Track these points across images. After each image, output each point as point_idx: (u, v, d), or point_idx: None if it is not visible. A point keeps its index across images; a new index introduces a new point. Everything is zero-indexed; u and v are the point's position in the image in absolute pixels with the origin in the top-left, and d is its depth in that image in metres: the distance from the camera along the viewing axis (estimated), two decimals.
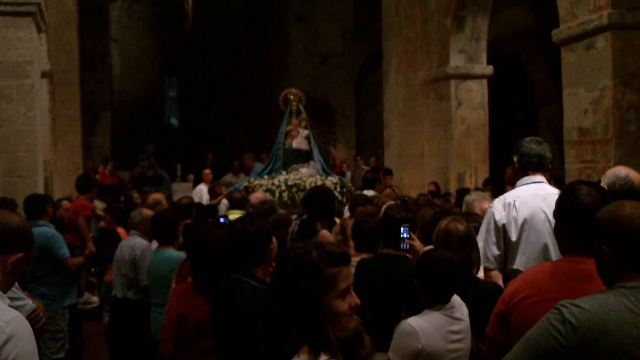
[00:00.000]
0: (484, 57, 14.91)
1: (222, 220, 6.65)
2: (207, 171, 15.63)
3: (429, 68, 15.83)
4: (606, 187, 4.42)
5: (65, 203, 11.12)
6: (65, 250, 7.50)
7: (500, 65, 15.46)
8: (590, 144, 9.18)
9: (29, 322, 4.44)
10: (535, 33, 18.73)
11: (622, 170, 4.75)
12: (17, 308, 4.35)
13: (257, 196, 9.84)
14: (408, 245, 4.96)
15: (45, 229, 7.35)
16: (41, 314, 4.60)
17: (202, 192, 13.37)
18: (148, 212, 7.62)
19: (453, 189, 13.72)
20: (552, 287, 3.36)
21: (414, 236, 5.05)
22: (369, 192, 10.52)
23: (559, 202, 3.56)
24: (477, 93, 14.81)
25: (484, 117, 14.91)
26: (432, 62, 15.70)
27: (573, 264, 3.35)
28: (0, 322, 2.72)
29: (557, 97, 11.14)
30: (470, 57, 14.79)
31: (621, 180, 4.67)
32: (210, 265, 4.59)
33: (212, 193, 13.63)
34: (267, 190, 12.79)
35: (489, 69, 14.94)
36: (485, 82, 14.94)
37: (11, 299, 4.41)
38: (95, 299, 10.36)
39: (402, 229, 4.93)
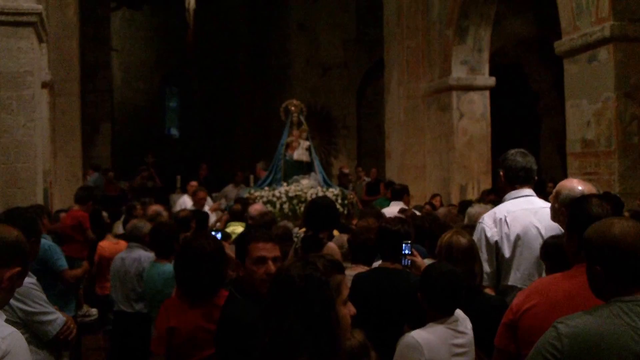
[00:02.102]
0: (486, 68, 14.91)
1: (213, 234, 6.60)
2: (194, 183, 15.09)
3: (431, 79, 15.82)
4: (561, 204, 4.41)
5: (63, 215, 11.06)
6: (63, 262, 7.42)
7: (502, 76, 15.45)
8: (593, 155, 9.16)
9: (61, 335, 4.47)
10: (538, 44, 18.73)
11: (575, 187, 4.65)
12: (49, 322, 4.38)
13: (256, 208, 9.74)
14: (409, 261, 4.93)
15: (42, 241, 7.24)
16: (72, 326, 4.57)
17: (185, 204, 13.14)
18: (148, 224, 7.56)
19: (455, 200, 13.67)
20: (560, 297, 3.38)
21: (415, 252, 5.02)
22: (398, 204, 10.43)
23: (570, 213, 3.59)
24: (479, 104, 14.81)
25: (486, 129, 14.90)
26: (434, 73, 15.69)
27: (582, 274, 3.26)
28: None
29: (560, 109, 11.13)
30: (472, 68, 14.79)
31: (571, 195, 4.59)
32: (192, 276, 4.53)
33: (194, 199, 13.28)
34: (268, 201, 12.75)
35: (491, 80, 14.93)
36: (487, 93, 14.94)
37: (43, 313, 4.43)
38: (94, 311, 10.28)
39: (403, 245, 4.90)
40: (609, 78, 8.88)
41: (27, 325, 4.46)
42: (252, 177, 17.79)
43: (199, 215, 9.45)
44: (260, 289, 3.74)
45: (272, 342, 2.48)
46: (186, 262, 4.63)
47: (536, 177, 5.29)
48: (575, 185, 4.56)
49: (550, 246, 4.29)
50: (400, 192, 11.13)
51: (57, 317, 4.55)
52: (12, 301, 4.28)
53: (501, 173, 5.26)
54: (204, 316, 4.33)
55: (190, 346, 4.41)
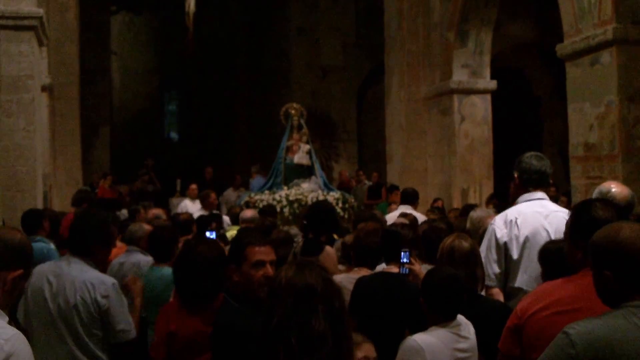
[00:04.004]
0: (487, 72, 14.88)
1: (208, 234, 6.54)
2: (194, 186, 15.21)
3: (432, 83, 15.77)
4: None
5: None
6: None
7: (504, 80, 15.41)
8: (596, 159, 9.10)
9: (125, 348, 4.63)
10: (540, 47, 18.69)
11: (605, 186, 4.81)
12: (121, 331, 4.63)
13: (246, 214, 9.63)
14: (408, 270, 4.91)
15: (41, 245, 7.21)
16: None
17: (187, 208, 13.10)
18: (148, 227, 7.48)
19: (457, 204, 13.62)
20: (568, 300, 3.37)
21: (414, 260, 5.00)
22: (408, 208, 10.38)
23: (573, 218, 3.58)
24: (480, 108, 14.76)
25: (487, 132, 14.86)
26: (435, 76, 15.64)
27: (588, 278, 3.26)
28: None
29: (562, 112, 11.07)
30: (473, 71, 14.75)
31: (603, 196, 4.72)
32: (194, 282, 4.51)
33: (205, 202, 13.27)
34: (269, 205, 12.70)
35: (492, 84, 14.90)
36: (488, 96, 14.90)
37: (119, 318, 4.58)
38: None
39: (402, 253, 4.89)
40: (612, 81, 8.81)
41: (102, 322, 4.55)
42: (251, 181, 17.83)
43: (201, 218, 9.40)
44: (259, 293, 3.73)
45: (301, 344, 2.53)
46: (186, 268, 4.59)
47: (551, 181, 5.30)
48: (607, 185, 4.81)
49: (549, 251, 4.27)
50: (411, 196, 11.06)
51: (130, 330, 4.66)
52: (99, 298, 4.51)
53: (515, 175, 5.28)
54: (204, 321, 4.29)
55: (190, 351, 4.36)
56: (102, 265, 4.89)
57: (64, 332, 4.52)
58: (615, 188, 4.75)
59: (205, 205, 12.89)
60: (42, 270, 4.74)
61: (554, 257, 4.15)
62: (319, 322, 2.52)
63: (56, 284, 4.58)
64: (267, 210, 10.93)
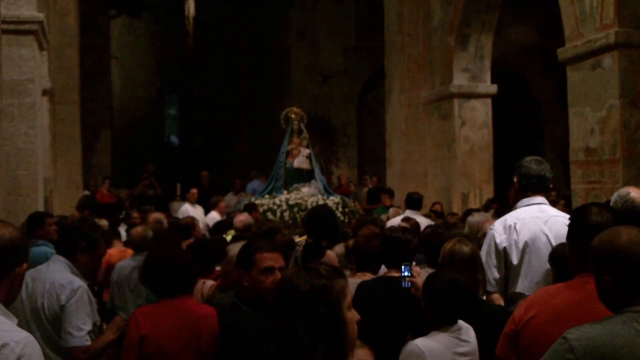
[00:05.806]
0: (488, 76, 14.86)
1: None
2: (194, 191, 15.30)
3: (432, 87, 15.77)
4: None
5: None
6: None
7: (504, 84, 15.40)
8: (597, 164, 9.07)
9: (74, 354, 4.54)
10: (541, 51, 18.70)
11: (624, 190, 4.87)
12: (68, 334, 4.57)
13: (241, 219, 9.53)
14: (409, 283, 4.90)
15: (44, 249, 7.17)
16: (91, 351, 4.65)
17: (187, 213, 13.13)
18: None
19: (457, 209, 13.61)
20: (564, 307, 3.36)
21: (415, 273, 5.00)
22: (415, 213, 10.37)
23: (570, 223, 3.60)
24: (481, 112, 14.75)
25: (488, 137, 14.85)
26: (435, 80, 15.64)
27: (585, 284, 3.32)
28: (10, 342, 2.72)
29: (563, 117, 11.06)
30: (474, 75, 14.74)
31: (622, 199, 4.85)
32: (165, 279, 4.54)
33: (218, 209, 13.34)
34: (268, 209, 12.72)
35: (493, 88, 14.89)
36: (489, 101, 14.89)
37: (74, 323, 4.54)
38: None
39: (403, 267, 4.87)
40: (614, 85, 8.79)
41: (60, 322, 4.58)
42: (248, 184, 17.88)
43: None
44: (268, 299, 3.74)
45: (279, 348, 2.48)
46: (156, 265, 4.64)
47: (551, 185, 5.28)
48: (626, 189, 4.83)
49: (558, 253, 4.27)
50: (417, 201, 11.09)
51: (77, 336, 4.58)
52: (62, 297, 4.56)
53: (515, 180, 5.25)
54: (176, 320, 4.35)
55: (162, 355, 4.35)
56: (84, 269, 4.92)
57: (36, 332, 4.54)
58: (633, 192, 4.77)
59: (218, 211, 13.01)
60: None
61: (563, 259, 4.14)
62: (299, 329, 2.47)
63: (32, 287, 4.65)
64: (249, 207, 11.07)
